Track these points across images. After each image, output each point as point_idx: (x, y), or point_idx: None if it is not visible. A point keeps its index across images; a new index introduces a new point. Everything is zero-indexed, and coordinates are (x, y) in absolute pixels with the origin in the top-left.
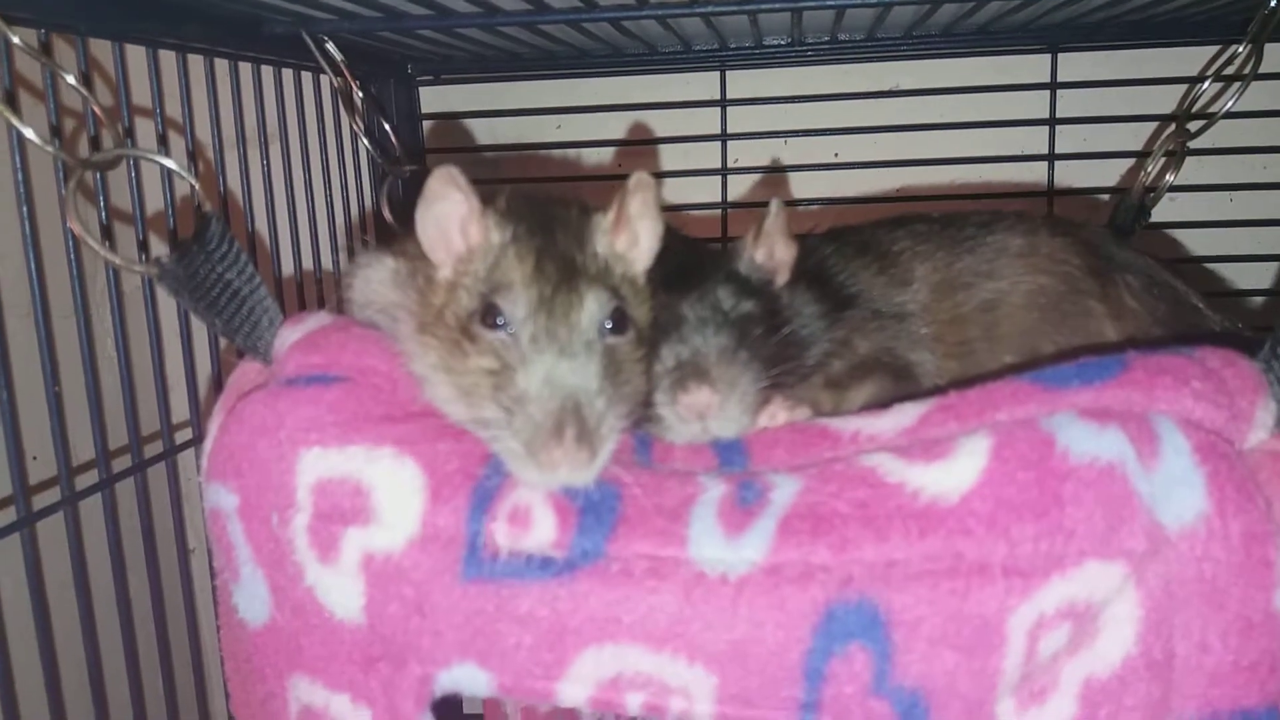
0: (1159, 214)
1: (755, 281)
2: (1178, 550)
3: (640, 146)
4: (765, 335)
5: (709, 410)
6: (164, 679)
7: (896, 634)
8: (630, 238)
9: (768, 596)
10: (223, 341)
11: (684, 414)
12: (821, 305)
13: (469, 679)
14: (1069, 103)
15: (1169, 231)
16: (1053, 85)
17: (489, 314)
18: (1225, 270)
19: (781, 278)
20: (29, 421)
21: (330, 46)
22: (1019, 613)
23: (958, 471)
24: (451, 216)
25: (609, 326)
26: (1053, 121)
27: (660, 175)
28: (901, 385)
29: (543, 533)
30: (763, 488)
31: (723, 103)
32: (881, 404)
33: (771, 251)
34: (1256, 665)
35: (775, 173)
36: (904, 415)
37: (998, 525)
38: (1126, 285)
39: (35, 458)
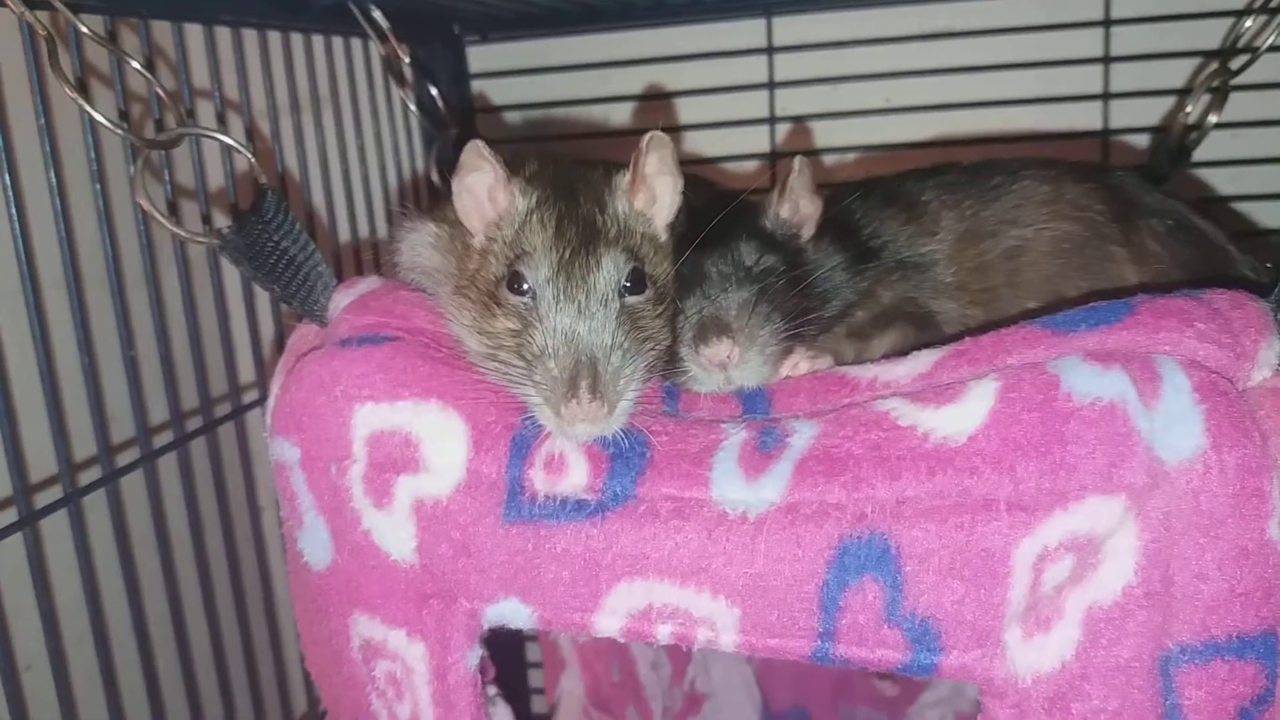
0: (1207, 152)
1: (780, 236)
2: (1176, 484)
3: (687, 97)
4: (787, 288)
5: (730, 361)
6: (239, 621)
7: (906, 566)
8: (648, 196)
9: (785, 533)
10: (284, 305)
11: (706, 365)
12: (845, 257)
13: (513, 613)
14: (1123, 40)
15: (1214, 169)
16: (1106, 22)
17: (514, 280)
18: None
19: (807, 232)
20: (106, 386)
21: (376, 14)
22: (1023, 545)
23: (966, 413)
24: (481, 186)
25: (627, 286)
26: (1107, 60)
27: (708, 126)
28: (924, 334)
29: (576, 477)
30: (782, 433)
31: (769, 50)
32: (903, 352)
33: (796, 206)
34: (1252, 592)
35: (824, 120)
36: (919, 361)
37: (1003, 463)
38: (1150, 230)
39: (115, 420)
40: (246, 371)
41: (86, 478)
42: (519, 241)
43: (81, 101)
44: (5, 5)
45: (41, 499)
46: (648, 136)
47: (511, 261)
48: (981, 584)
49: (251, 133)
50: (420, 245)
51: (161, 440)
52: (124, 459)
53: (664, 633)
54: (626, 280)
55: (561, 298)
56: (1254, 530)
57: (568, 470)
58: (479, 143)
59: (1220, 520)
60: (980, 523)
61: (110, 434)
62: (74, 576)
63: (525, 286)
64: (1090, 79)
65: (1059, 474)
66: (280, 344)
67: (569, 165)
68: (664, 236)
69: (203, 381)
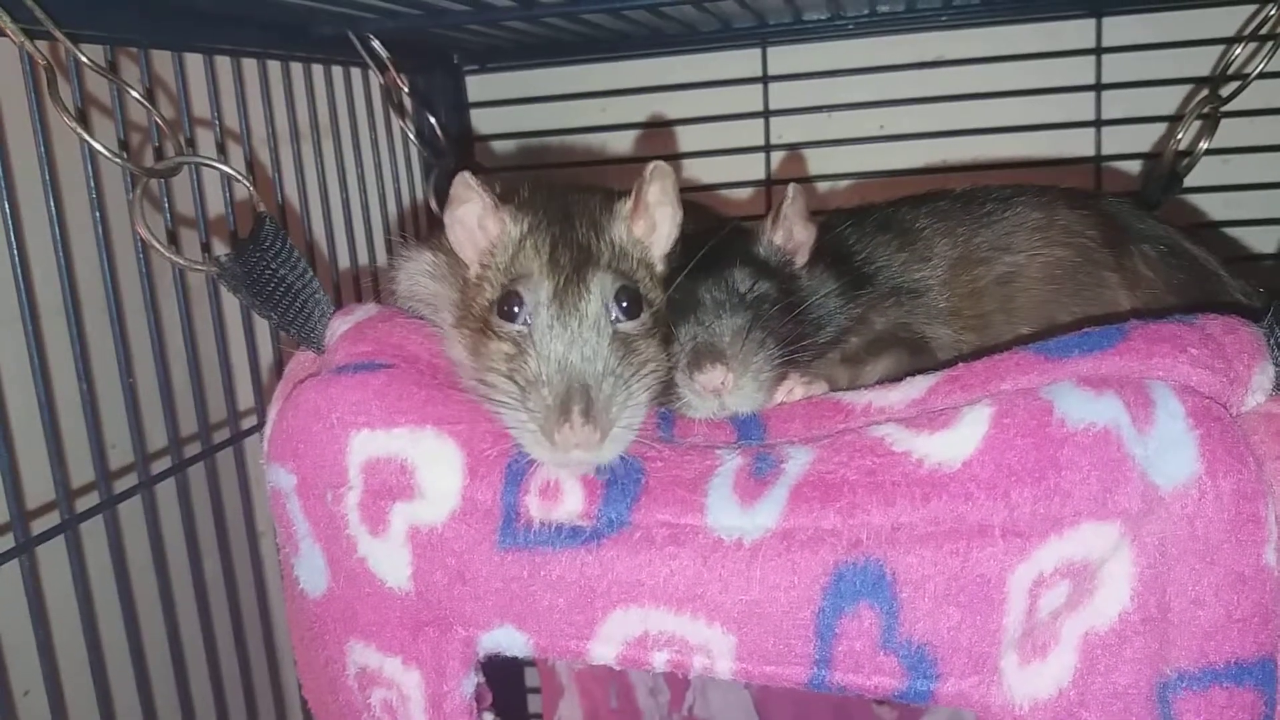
0: (1200, 177)
1: (773, 263)
2: (1171, 510)
3: (683, 125)
4: (781, 314)
5: (724, 387)
6: (237, 648)
7: (902, 593)
8: (648, 224)
9: (780, 560)
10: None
11: (701, 391)
12: (839, 284)
13: (508, 640)
14: (1115, 67)
15: (1206, 195)
16: (1098, 50)
17: (508, 305)
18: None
19: (801, 259)
20: (105, 412)
21: (376, 44)
22: (1018, 572)
23: (960, 439)
24: (472, 216)
25: (623, 307)
26: (1099, 87)
27: (704, 154)
28: (917, 359)
29: (571, 504)
30: (777, 459)
31: (764, 79)
32: (897, 378)
33: (790, 233)
34: (1249, 618)
35: (819, 147)
36: (913, 387)
37: (997, 489)
38: (1142, 255)
39: (115, 446)
40: (245, 397)
41: (86, 503)
42: (512, 268)
43: (80, 131)
44: (5, 34)
45: (39, 525)
46: (651, 166)
47: (506, 287)
48: (977, 610)
49: (251, 161)
50: (418, 274)
51: (160, 466)
52: (123, 484)
53: (660, 660)
54: (621, 305)
55: (555, 324)
56: (1250, 556)
57: (563, 497)
58: (467, 174)
59: (1216, 546)
60: (975, 549)
61: (109, 460)
62: (72, 603)
63: (519, 312)
64: (1083, 106)
65: (1053, 500)
66: (279, 369)
67: (564, 192)
68: (660, 265)
69: (201, 407)
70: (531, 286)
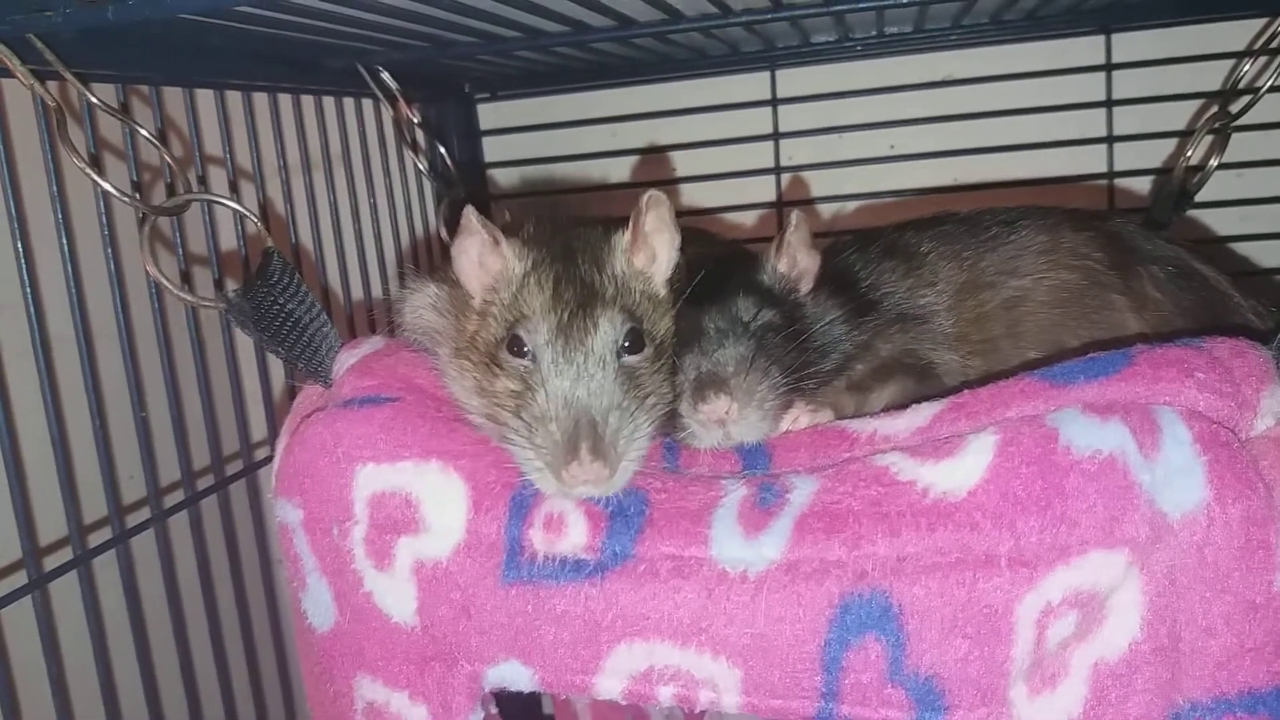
0: (1212, 193)
1: (778, 291)
2: (1179, 538)
3: (693, 150)
4: (786, 342)
5: (728, 417)
6: (251, 680)
7: (909, 624)
8: (648, 254)
9: (785, 592)
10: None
11: (705, 422)
12: (844, 310)
13: (514, 675)
14: (1126, 83)
15: (1219, 210)
16: (1108, 67)
17: (513, 343)
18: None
19: (805, 286)
20: (120, 445)
21: (385, 76)
22: (1026, 602)
23: (965, 468)
24: (477, 250)
25: (625, 345)
26: (1110, 104)
27: (714, 177)
28: (924, 385)
29: (575, 537)
30: (781, 489)
31: (774, 101)
32: (903, 404)
33: (794, 261)
34: (1262, 647)
35: (830, 169)
36: (918, 415)
37: (1003, 518)
38: (1150, 276)
39: (132, 477)
40: (259, 428)
41: (99, 537)
42: (517, 304)
43: (90, 173)
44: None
45: (53, 560)
46: (646, 195)
47: (510, 325)
48: (985, 641)
49: (263, 195)
50: (421, 306)
51: (174, 499)
52: (137, 518)
53: (665, 694)
54: (625, 340)
55: (560, 360)
56: (1261, 583)
57: (567, 530)
58: (471, 209)
59: (1226, 574)
60: (981, 579)
61: (122, 494)
62: (86, 638)
63: (525, 349)
64: (1094, 123)
65: (1060, 528)
66: (293, 399)
67: (568, 225)
68: (663, 293)
69: (214, 439)
70: (535, 324)
